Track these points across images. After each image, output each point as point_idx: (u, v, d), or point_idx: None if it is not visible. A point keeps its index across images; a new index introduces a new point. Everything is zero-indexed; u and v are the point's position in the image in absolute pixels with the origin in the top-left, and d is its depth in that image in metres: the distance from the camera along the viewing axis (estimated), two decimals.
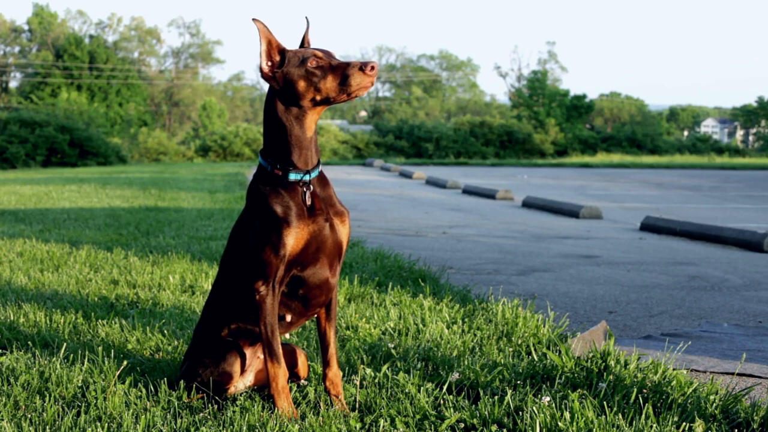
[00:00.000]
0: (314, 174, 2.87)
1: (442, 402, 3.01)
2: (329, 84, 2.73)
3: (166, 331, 4.00)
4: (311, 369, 3.37)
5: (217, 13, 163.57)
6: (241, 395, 3.04)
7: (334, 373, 2.99)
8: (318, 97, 2.76)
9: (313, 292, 2.90)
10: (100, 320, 4.18)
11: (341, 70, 2.72)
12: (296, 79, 2.75)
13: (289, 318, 2.97)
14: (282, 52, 2.80)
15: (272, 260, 2.79)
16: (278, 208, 2.81)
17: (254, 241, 2.84)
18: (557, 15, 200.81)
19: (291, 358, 3.14)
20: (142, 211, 11.27)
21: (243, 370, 3.02)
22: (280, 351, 2.85)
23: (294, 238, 2.79)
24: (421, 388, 3.11)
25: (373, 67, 2.71)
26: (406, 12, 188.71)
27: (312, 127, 2.83)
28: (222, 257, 3.09)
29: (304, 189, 2.84)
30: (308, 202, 2.83)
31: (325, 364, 3.00)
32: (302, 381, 3.21)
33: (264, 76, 2.80)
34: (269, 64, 2.80)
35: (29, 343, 3.80)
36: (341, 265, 2.98)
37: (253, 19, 2.78)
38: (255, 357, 3.07)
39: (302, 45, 2.92)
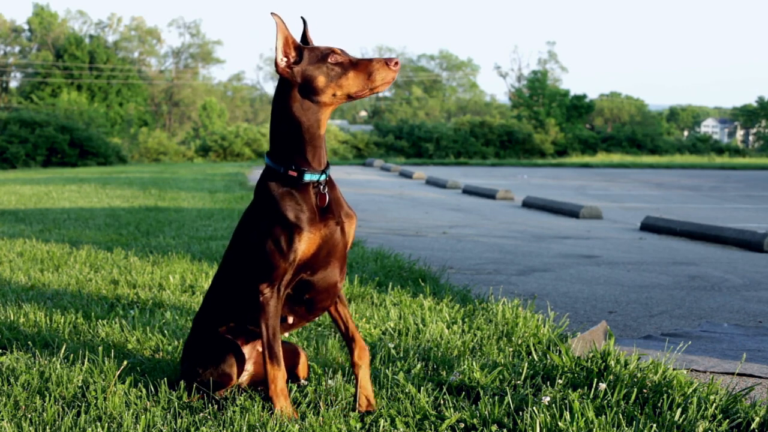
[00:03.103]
0: (327, 174, 2.86)
1: (442, 402, 3.01)
2: (351, 80, 2.75)
3: (166, 331, 4.00)
4: (311, 369, 3.37)
5: (217, 13, 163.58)
6: (241, 395, 3.04)
7: (361, 346, 2.98)
8: (338, 92, 2.77)
9: (320, 296, 2.89)
10: (100, 320, 4.18)
11: (365, 66, 2.75)
12: (316, 75, 2.76)
13: (291, 320, 2.96)
14: (298, 48, 2.80)
15: (280, 264, 2.77)
16: (290, 213, 2.78)
17: (262, 244, 2.80)
18: (557, 15, 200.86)
19: (292, 358, 3.14)
20: (142, 211, 11.27)
21: (242, 369, 3.02)
22: (280, 353, 2.84)
23: (306, 244, 2.77)
24: (421, 388, 3.11)
25: (396, 63, 2.75)
26: (406, 12, 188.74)
27: (325, 124, 2.84)
28: (225, 254, 3.07)
29: (318, 190, 2.82)
30: (322, 203, 2.81)
31: (350, 340, 2.98)
32: (302, 381, 3.21)
33: (280, 71, 2.79)
34: (285, 59, 2.79)
35: (29, 343, 3.80)
36: (345, 263, 2.97)
37: (272, 14, 2.79)
38: (254, 350, 3.07)
39: (304, 44, 2.91)
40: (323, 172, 2.84)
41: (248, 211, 2.95)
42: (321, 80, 2.76)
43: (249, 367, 3.07)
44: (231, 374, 2.97)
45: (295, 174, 2.81)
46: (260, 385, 3.13)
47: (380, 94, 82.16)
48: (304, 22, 2.93)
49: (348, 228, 2.89)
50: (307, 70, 2.77)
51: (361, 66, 2.75)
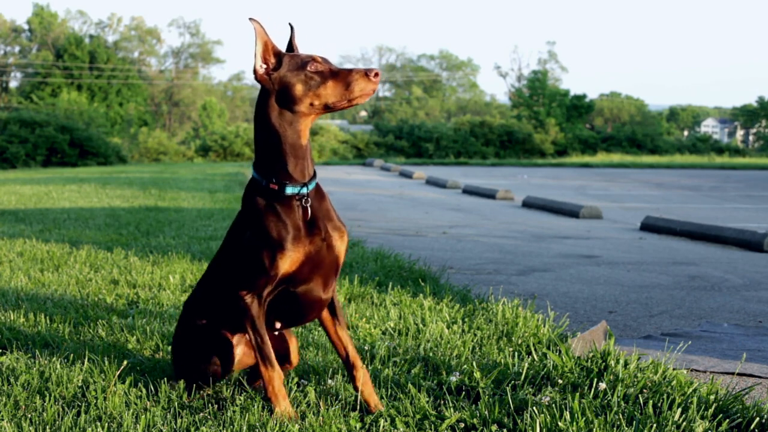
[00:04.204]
0: (311, 186, 2.78)
1: (442, 402, 3.01)
2: (330, 89, 2.67)
3: (166, 331, 4.00)
4: (311, 369, 3.36)
5: (217, 13, 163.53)
6: (241, 395, 3.04)
7: (361, 372, 2.94)
8: (316, 102, 2.69)
9: (305, 309, 2.87)
10: (100, 320, 4.19)
11: (344, 76, 2.67)
12: (294, 83, 2.69)
13: (278, 325, 2.97)
14: (278, 54, 2.74)
15: (261, 278, 2.75)
16: (273, 230, 2.72)
17: (245, 257, 2.78)
18: (557, 15, 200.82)
19: (281, 345, 3.10)
20: (142, 211, 11.27)
21: (233, 360, 3.00)
22: (272, 355, 2.82)
23: (289, 262, 2.72)
24: (421, 388, 3.11)
25: (377, 74, 2.66)
26: (406, 12, 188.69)
27: (306, 134, 2.75)
28: (216, 254, 3.06)
29: (302, 203, 2.76)
30: (307, 217, 2.75)
31: (350, 367, 2.95)
32: (291, 367, 3.18)
33: (258, 78, 2.73)
34: (264, 66, 2.73)
35: (29, 343, 3.80)
36: (337, 278, 2.91)
37: (250, 19, 2.72)
38: (243, 337, 3.04)
39: (289, 50, 2.86)
40: (307, 183, 2.77)
41: (236, 220, 2.91)
42: (299, 88, 2.69)
43: (239, 353, 3.04)
44: (225, 363, 2.97)
45: (276, 187, 2.74)
46: (252, 375, 3.17)
47: (380, 94, 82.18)
48: (292, 28, 2.87)
49: (337, 243, 2.81)
50: (285, 77, 2.70)
51: (341, 76, 2.67)
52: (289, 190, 2.74)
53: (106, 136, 43.15)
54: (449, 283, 5.61)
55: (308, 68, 2.69)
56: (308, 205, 2.76)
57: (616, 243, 9.57)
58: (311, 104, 2.70)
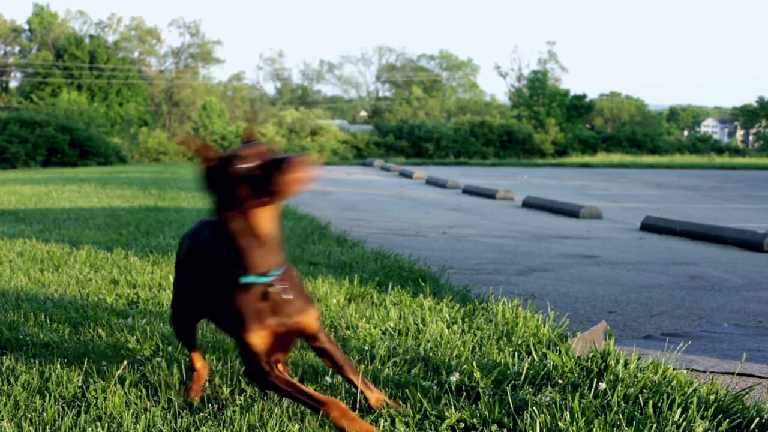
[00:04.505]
0: (273, 275, 2.65)
1: (442, 402, 3.01)
2: (245, 191, 2.51)
3: (165, 331, 4.00)
4: (312, 369, 3.36)
5: (217, 13, 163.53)
6: (241, 395, 3.04)
7: (376, 397, 2.93)
8: (247, 202, 2.52)
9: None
10: (100, 320, 4.18)
11: (262, 171, 2.49)
12: (227, 185, 2.54)
13: None
14: (212, 159, 2.61)
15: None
16: (237, 306, 2.66)
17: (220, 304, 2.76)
18: (557, 15, 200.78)
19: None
20: (142, 211, 11.27)
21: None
22: (308, 391, 2.73)
23: (258, 338, 2.68)
24: (423, 388, 3.10)
25: (293, 164, 2.43)
26: (406, 12, 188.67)
27: (267, 224, 2.59)
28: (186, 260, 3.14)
29: (264, 289, 2.64)
30: (274, 299, 2.66)
31: (366, 398, 2.93)
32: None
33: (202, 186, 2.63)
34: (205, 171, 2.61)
35: (29, 342, 3.80)
36: (319, 336, 2.83)
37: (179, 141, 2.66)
38: None
39: (246, 141, 2.75)
40: (267, 274, 2.63)
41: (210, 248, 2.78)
42: (232, 190, 2.54)
43: None
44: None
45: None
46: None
47: (380, 94, 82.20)
48: (249, 118, 2.80)
49: (302, 322, 2.73)
50: (219, 179, 2.59)
51: (256, 171, 2.51)
52: (248, 280, 2.64)
53: (106, 136, 43.17)
54: (449, 283, 5.62)
55: (231, 168, 2.53)
56: (271, 290, 2.65)
57: (616, 243, 9.57)
58: (243, 202, 2.53)
